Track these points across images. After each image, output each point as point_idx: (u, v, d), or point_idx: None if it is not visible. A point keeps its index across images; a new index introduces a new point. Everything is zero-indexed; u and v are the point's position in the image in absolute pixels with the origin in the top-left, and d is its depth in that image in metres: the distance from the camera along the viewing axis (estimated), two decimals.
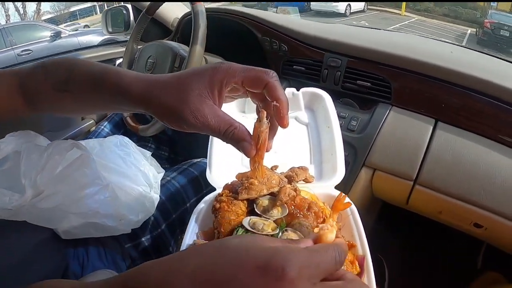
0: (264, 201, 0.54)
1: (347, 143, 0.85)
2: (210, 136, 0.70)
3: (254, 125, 0.45)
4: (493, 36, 9.22)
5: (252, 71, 0.44)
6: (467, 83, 0.85)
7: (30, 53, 6.57)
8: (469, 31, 11.35)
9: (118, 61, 1.58)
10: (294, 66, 1.07)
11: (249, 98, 0.48)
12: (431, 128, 0.88)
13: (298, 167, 0.59)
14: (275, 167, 0.58)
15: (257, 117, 0.46)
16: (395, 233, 1.36)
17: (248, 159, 0.47)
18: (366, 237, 0.56)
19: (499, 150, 0.81)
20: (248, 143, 0.43)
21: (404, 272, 1.31)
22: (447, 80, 0.87)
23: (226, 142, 0.44)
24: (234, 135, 0.42)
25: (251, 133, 0.44)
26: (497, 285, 1.08)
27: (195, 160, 0.99)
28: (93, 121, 1.48)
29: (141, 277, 0.31)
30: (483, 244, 1.27)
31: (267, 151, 0.46)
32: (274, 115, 0.44)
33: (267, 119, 0.45)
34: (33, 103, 0.55)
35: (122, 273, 0.33)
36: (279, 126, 0.45)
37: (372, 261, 0.54)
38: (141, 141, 1.33)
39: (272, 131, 0.47)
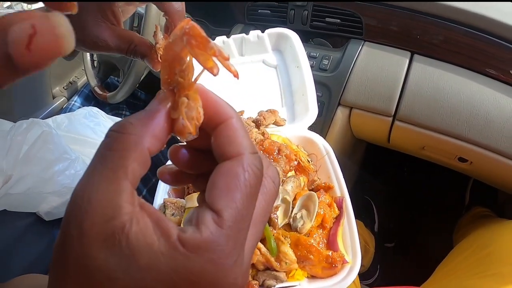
0: None
1: (320, 83, 0.81)
2: None
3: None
4: None
5: None
6: (440, 12, 0.80)
7: None
8: None
9: None
10: (259, 10, 1.01)
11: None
12: (407, 61, 0.85)
13: (266, 111, 0.57)
14: (241, 112, 0.56)
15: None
16: (381, 175, 1.36)
17: None
18: (351, 180, 0.54)
19: (480, 81, 0.78)
20: (152, 56, 0.42)
21: (393, 213, 1.32)
22: (416, 10, 0.82)
23: (134, 59, 0.43)
24: (136, 52, 0.41)
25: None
26: (487, 219, 1.09)
27: None
28: (64, 98, 1.44)
29: None
30: (470, 180, 1.28)
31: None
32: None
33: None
34: None
35: None
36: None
37: (360, 205, 0.52)
38: (114, 110, 1.28)
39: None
